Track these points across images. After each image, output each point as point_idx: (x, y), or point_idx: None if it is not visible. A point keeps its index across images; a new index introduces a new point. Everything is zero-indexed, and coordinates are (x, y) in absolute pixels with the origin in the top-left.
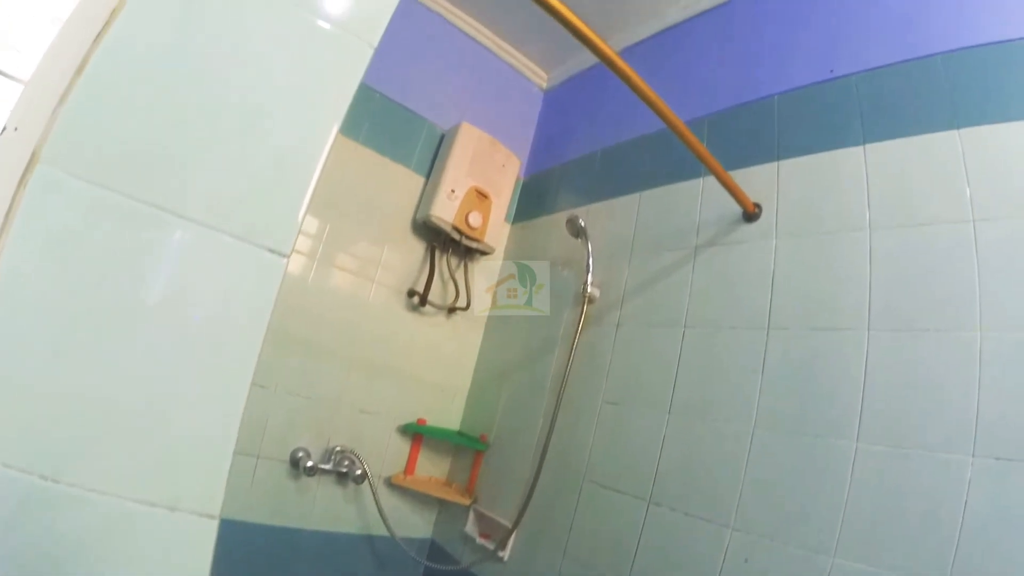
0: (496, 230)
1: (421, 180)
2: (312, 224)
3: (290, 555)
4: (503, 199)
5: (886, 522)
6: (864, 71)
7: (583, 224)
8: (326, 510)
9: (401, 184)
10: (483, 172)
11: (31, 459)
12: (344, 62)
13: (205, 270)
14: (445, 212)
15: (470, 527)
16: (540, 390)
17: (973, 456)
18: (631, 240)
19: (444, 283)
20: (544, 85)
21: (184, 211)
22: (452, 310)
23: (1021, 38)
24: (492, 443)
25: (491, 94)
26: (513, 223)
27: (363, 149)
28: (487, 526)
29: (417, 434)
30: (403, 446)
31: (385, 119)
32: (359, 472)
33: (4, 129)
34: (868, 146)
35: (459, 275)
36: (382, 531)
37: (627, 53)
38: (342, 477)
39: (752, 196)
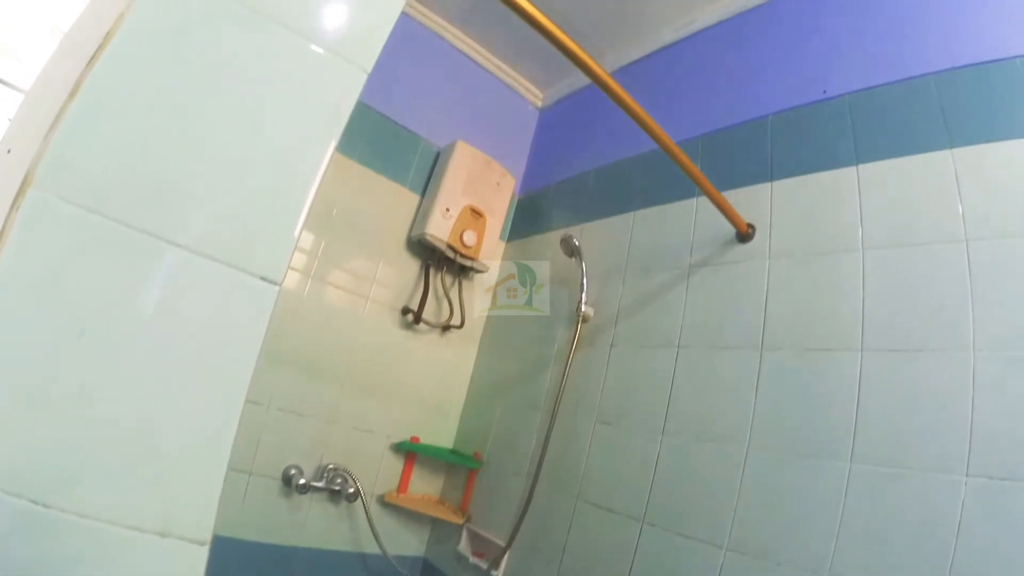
0: (491, 248)
1: (416, 198)
2: (307, 241)
3: (282, 573)
4: (498, 217)
5: (881, 542)
6: (857, 91)
7: (577, 243)
8: (318, 528)
9: (396, 202)
10: (478, 191)
11: (21, 483)
12: (338, 88)
13: (197, 298)
14: (440, 230)
15: (463, 546)
16: (534, 409)
17: (967, 476)
18: (625, 259)
19: (438, 301)
20: (539, 104)
21: (177, 238)
22: (446, 328)
23: (1014, 57)
24: (486, 461)
25: (486, 112)
26: (508, 241)
27: (359, 167)
28: (480, 545)
29: (410, 452)
30: (396, 464)
31: (381, 137)
32: (352, 490)
33: None
34: (861, 166)
35: (453, 293)
36: (374, 549)
37: (622, 72)
38: (335, 495)
39: (746, 216)
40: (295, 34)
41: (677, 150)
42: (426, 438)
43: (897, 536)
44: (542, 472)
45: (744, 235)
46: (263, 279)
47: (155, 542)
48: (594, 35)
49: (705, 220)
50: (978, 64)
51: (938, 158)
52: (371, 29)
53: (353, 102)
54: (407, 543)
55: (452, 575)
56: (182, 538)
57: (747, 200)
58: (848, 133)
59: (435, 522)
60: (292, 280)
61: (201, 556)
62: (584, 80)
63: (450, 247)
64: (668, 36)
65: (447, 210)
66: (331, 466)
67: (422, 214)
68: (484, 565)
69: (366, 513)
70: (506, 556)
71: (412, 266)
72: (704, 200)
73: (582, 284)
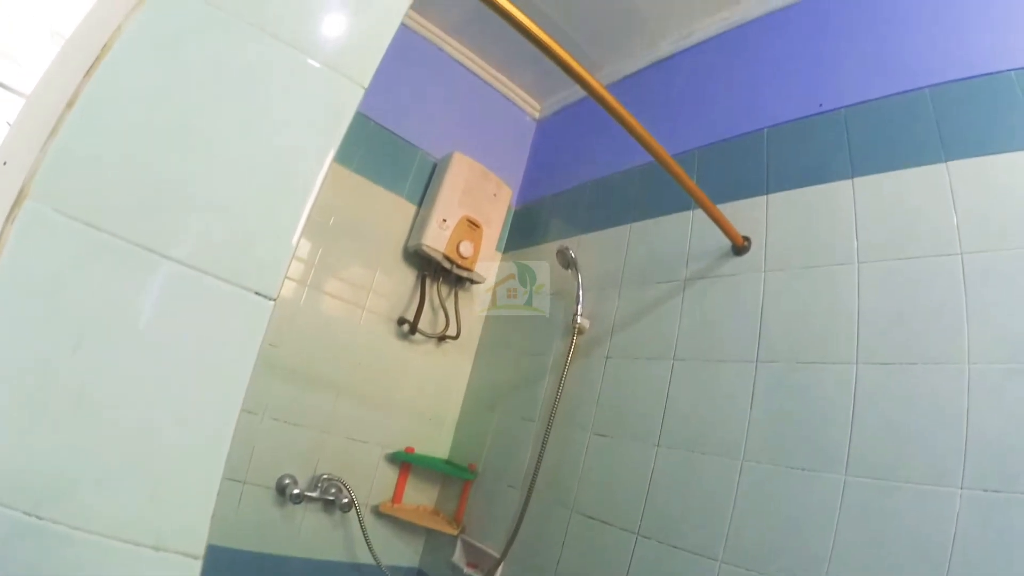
0: (487, 259)
1: (413, 208)
2: (304, 249)
3: None
4: (494, 228)
5: (875, 555)
6: (853, 105)
7: (573, 255)
8: (312, 538)
9: (393, 212)
10: (475, 202)
11: (14, 494)
12: (335, 103)
13: (192, 313)
14: (436, 241)
15: (457, 557)
16: (529, 420)
17: (961, 488)
18: (621, 271)
19: (435, 311)
20: (536, 115)
21: (172, 252)
22: (442, 338)
23: (1008, 70)
24: (480, 472)
25: (484, 123)
26: (504, 252)
27: (356, 177)
28: (475, 556)
29: (405, 462)
30: (391, 474)
31: (378, 147)
32: (346, 500)
33: None
34: (857, 179)
35: (450, 304)
36: (368, 560)
37: (619, 85)
38: (329, 505)
39: (741, 229)
40: (293, 48)
41: (673, 163)
42: (421, 448)
43: (892, 548)
44: (537, 483)
45: (740, 248)
46: (258, 294)
47: (149, 555)
48: (592, 47)
49: (701, 233)
50: (973, 78)
51: (933, 171)
52: (369, 44)
53: (350, 117)
54: (401, 554)
55: None
56: (176, 551)
57: (743, 213)
58: (844, 146)
59: (429, 533)
60: (288, 289)
61: (195, 570)
62: (581, 92)
63: (446, 258)
64: (665, 49)
65: (444, 221)
66: (325, 476)
67: (419, 224)
68: None
69: (360, 523)
70: (500, 567)
71: (408, 276)
72: (700, 213)
73: (578, 296)
